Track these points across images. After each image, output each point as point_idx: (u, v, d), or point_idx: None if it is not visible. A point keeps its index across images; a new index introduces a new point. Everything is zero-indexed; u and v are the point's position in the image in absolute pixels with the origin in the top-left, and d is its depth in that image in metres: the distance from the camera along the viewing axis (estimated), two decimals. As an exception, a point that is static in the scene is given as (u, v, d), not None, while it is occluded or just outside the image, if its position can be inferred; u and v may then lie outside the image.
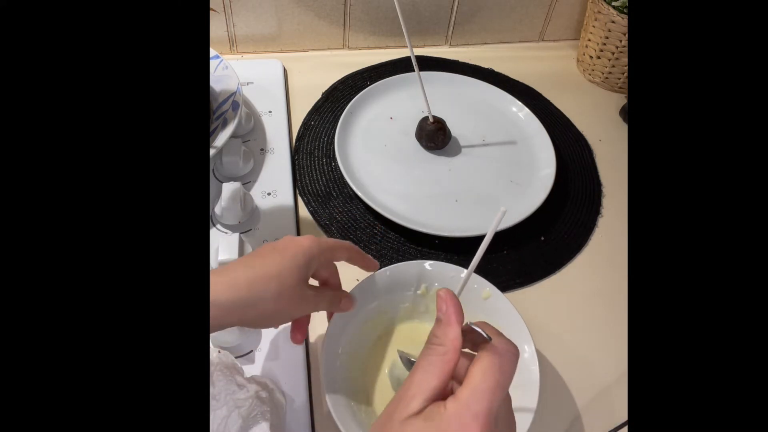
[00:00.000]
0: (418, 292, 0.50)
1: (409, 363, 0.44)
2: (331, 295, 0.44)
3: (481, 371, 0.30)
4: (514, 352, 0.32)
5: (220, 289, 0.35)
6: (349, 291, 0.46)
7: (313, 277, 0.42)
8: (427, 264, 0.50)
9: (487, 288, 0.49)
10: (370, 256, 0.47)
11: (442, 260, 0.51)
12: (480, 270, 0.59)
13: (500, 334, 0.33)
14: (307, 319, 0.45)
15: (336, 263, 0.45)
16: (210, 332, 0.36)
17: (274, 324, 0.42)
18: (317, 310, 0.42)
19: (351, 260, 0.45)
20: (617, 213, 0.68)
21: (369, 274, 0.48)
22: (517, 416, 0.43)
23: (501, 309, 0.49)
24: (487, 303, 0.49)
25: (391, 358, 0.48)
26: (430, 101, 0.66)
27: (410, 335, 0.50)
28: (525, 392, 0.44)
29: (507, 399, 0.33)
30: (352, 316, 0.46)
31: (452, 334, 0.32)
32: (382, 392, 0.46)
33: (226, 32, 0.78)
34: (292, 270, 0.38)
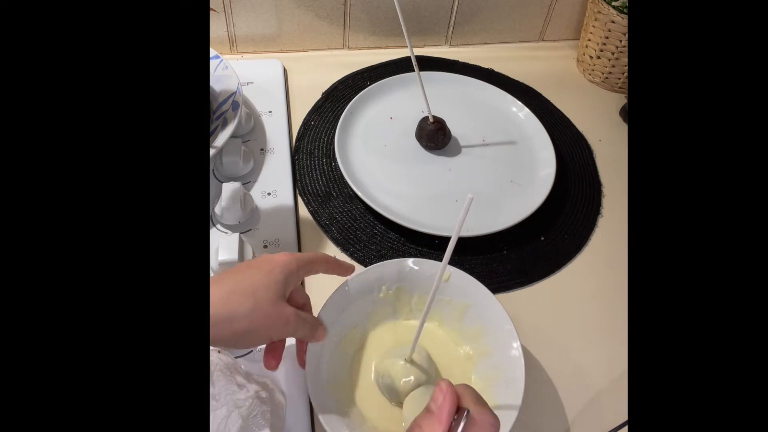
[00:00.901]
0: (380, 295, 0.50)
1: (395, 366, 0.44)
2: (313, 319, 0.42)
3: None
4: (492, 423, 0.32)
5: None
6: (316, 315, 0.45)
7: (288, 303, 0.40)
8: (410, 261, 0.50)
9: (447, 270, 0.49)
10: (344, 262, 0.46)
11: (441, 260, 0.51)
12: (480, 270, 0.60)
13: (479, 402, 0.32)
14: (282, 344, 0.43)
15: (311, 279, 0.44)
16: None
17: (252, 344, 0.40)
18: (295, 335, 0.40)
19: (328, 271, 0.45)
20: (617, 213, 0.68)
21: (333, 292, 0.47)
22: (502, 413, 0.43)
23: (464, 285, 0.49)
24: (451, 283, 0.50)
25: (371, 368, 0.48)
26: (430, 101, 0.66)
27: (380, 342, 0.50)
28: (509, 388, 0.44)
29: None
30: (323, 345, 0.45)
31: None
32: (374, 405, 0.46)
33: (226, 32, 0.78)
34: (269, 286, 0.37)
